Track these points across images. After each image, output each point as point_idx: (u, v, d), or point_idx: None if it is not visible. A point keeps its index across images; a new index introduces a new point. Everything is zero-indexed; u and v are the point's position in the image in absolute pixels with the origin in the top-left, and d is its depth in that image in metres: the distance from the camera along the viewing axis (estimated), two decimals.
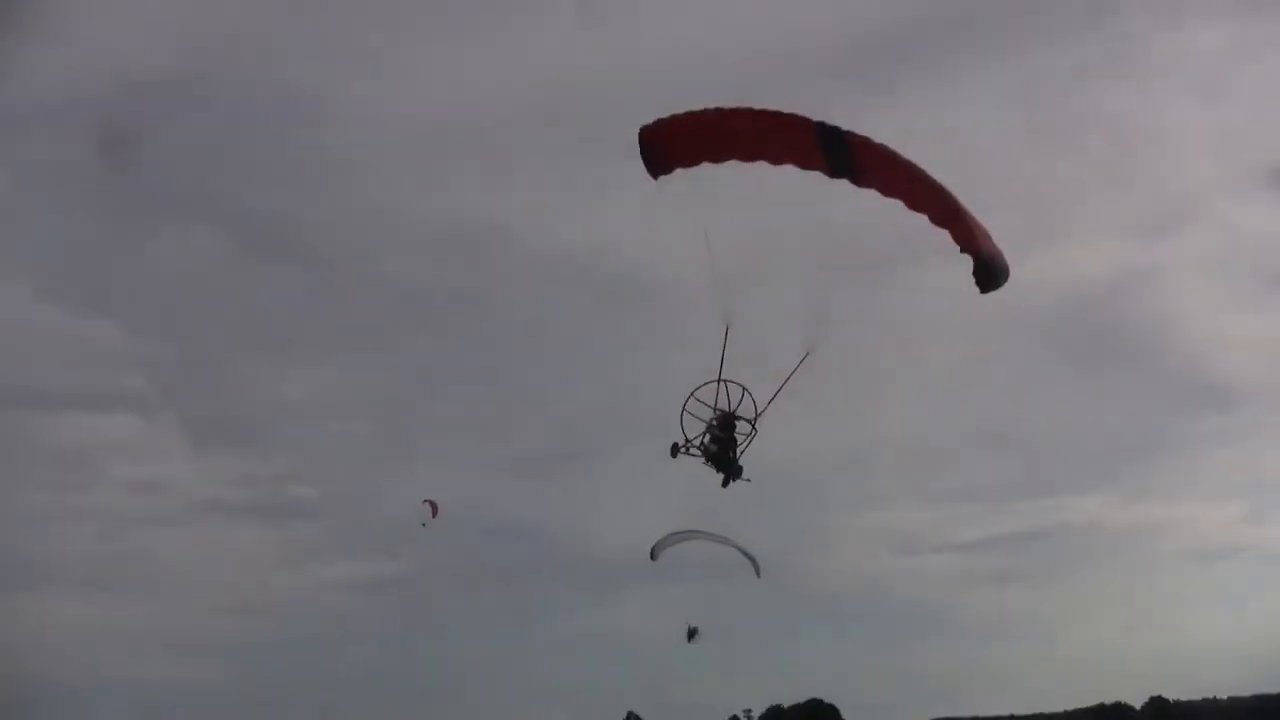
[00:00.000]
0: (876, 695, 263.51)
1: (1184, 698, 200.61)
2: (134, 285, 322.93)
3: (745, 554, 47.61)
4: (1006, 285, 20.77)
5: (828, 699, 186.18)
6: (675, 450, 20.77)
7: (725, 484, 20.83)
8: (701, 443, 20.47)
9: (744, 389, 20.51)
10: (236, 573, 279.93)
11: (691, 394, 20.55)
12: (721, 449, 20.44)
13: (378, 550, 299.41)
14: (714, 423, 20.49)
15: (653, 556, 47.67)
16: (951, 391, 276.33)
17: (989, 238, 20.07)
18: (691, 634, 53.10)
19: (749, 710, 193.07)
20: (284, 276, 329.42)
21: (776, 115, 19.50)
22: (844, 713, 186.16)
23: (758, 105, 19.59)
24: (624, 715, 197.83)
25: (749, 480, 20.69)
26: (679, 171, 21.01)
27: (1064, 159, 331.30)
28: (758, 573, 47.95)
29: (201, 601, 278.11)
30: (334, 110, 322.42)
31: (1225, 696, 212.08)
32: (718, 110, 20.00)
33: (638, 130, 20.94)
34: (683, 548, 48.21)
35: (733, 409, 20.38)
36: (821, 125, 19.30)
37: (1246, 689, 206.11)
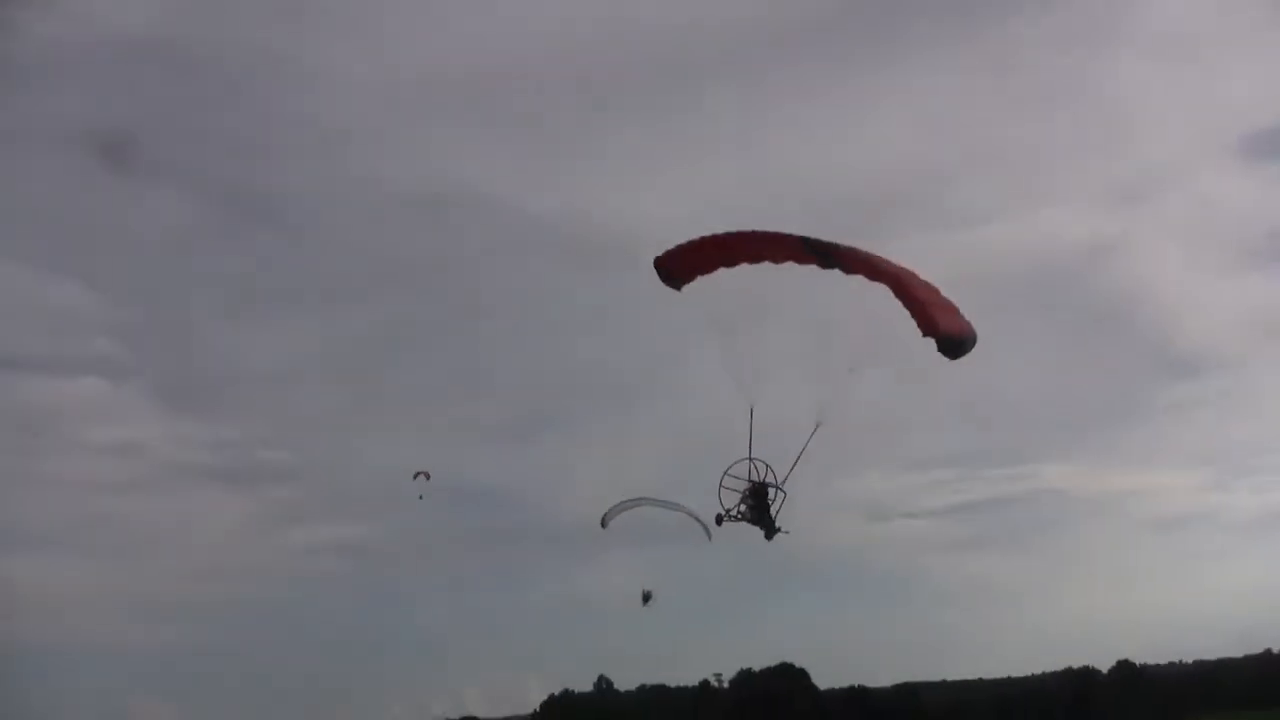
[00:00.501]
0: (847, 659, 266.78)
1: (1150, 662, 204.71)
2: (104, 249, 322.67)
3: (695, 518, 49.20)
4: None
5: (798, 663, 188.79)
6: (720, 519, 24.20)
7: (769, 538, 24.19)
8: (739, 511, 23.88)
9: (767, 465, 23.80)
10: (210, 536, 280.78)
11: (726, 472, 23.89)
12: (758, 513, 23.72)
13: (352, 514, 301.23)
14: (748, 493, 23.89)
15: (603, 524, 50.20)
16: (922, 358, 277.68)
17: (951, 314, 22.37)
18: (646, 598, 54.54)
19: (719, 674, 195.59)
20: (257, 241, 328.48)
21: (769, 234, 22.30)
22: (814, 677, 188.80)
23: (748, 229, 22.48)
24: (595, 678, 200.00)
25: (787, 533, 23.82)
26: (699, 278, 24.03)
27: (1038, 126, 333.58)
28: (709, 536, 49.18)
29: (175, 565, 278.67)
30: (308, 74, 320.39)
31: (1190, 660, 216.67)
32: (718, 235, 23.02)
33: (653, 260, 24.12)
34: (647, 514, 50.95)
35: (762, 478, 23.74)
36: (805, 239, 21.98)
37: (1211, 653, 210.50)
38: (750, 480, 23.99)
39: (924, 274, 23.22)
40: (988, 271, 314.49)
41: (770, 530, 24.18)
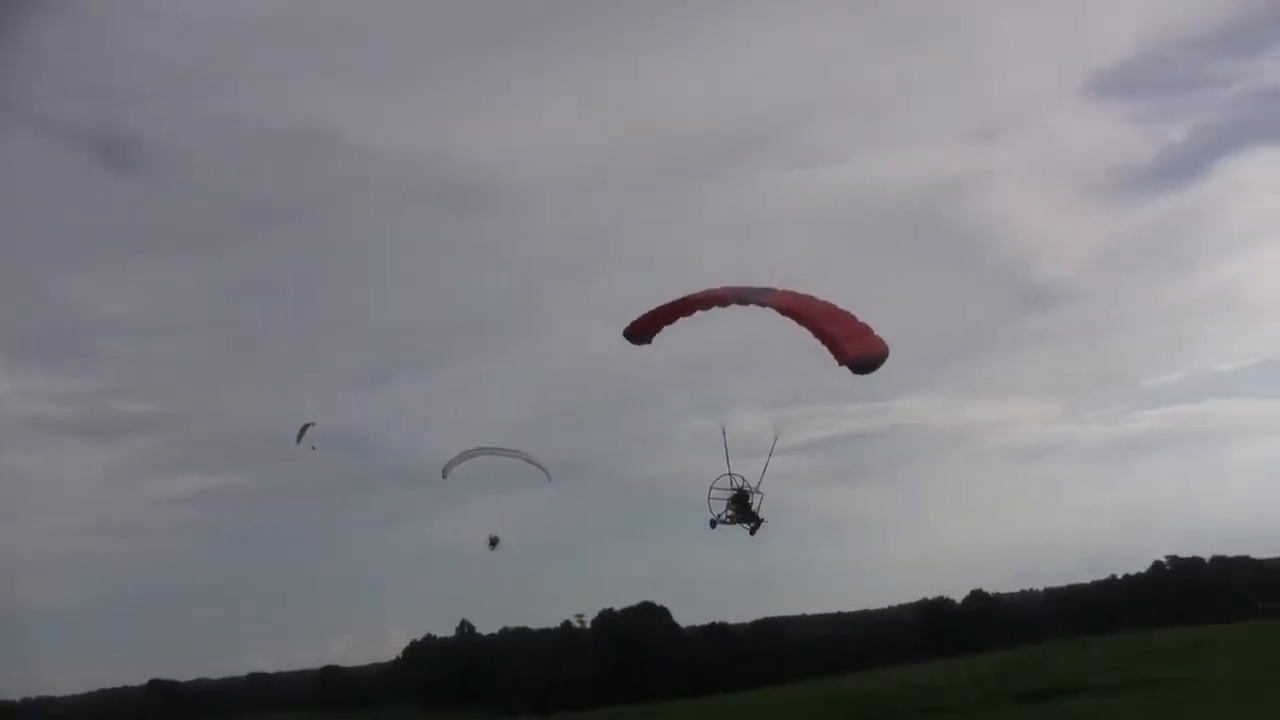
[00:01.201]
0: (708, 596, 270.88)
1: (1003, 590, 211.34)
2: None
3: (534, 463, 51.26)
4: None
5: (659, 601, 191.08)
6: (714, 524, 28.38)
7: (753, 533, 28.31)
8: (727, 515, 28.30)
9: (743, 478, 28.14)
10: (64, 489, 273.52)
11: (711, 486, 28.34)
12: (743, 514, 28.17)
13: (212, 463, 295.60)
14: (731, 500, 28.20)
15: (444, 475, 51.01)
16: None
17: (860, 340, 25.91)
18: (493, 542, 56.27)
19: (581, 615, 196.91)
20: (108, 185, 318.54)
21: (713, 291, 27.40)
22: (675, 615, 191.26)
23: (697, 291, 27.63)
24: (458, 623, 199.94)
25: (767, 521, 28.19)
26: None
27: (897, 65, 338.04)
28: (549, 478, 52.05)
29: (33, 523, 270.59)
30: (162, 13, 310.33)
31: (1041, 588, 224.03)
32: (671, 302, 28.06)
33: (622, 332, 29.13)
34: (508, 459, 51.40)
35: (742, 487, 28.20)
36: (738, 298, 26.95)
37: (1061, 580, 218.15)
38: (732, 489, 28.12)
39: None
40: (847, 208, 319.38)
41: (756, 525, 28.26)
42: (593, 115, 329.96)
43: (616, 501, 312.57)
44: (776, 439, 27.42)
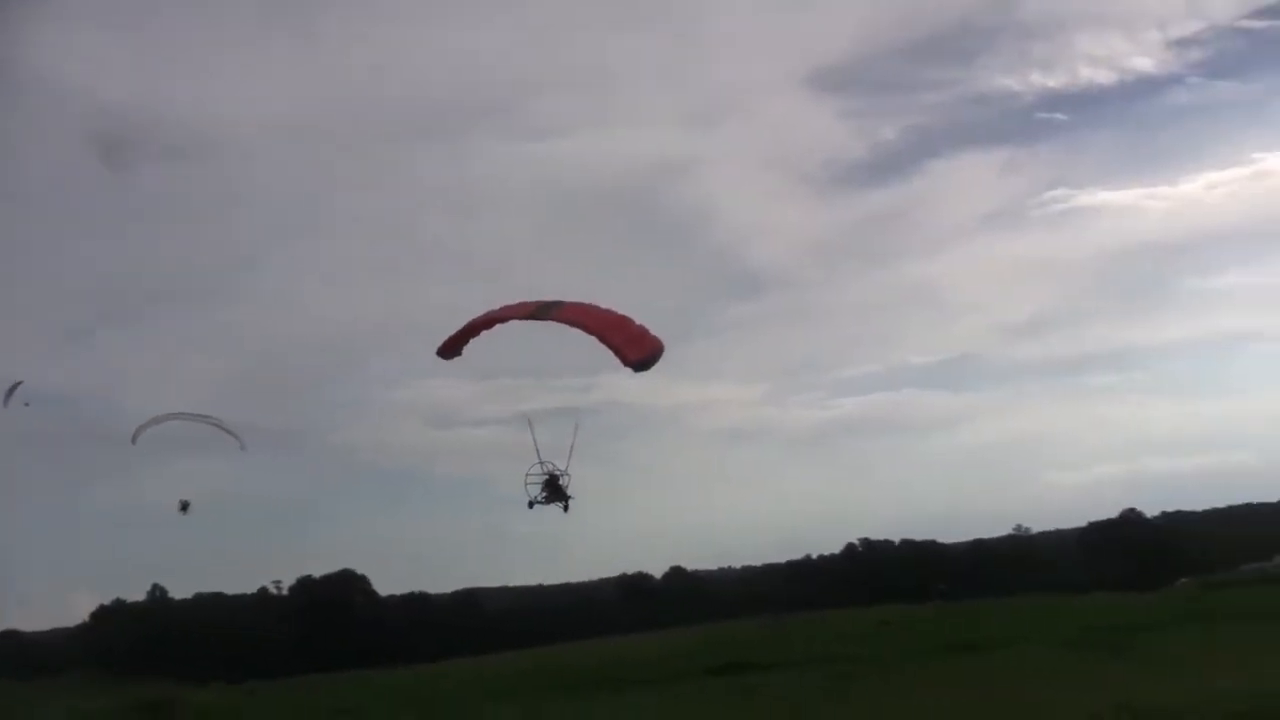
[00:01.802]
0: (410, 566, 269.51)
1: (702, 568, 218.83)
2: None
3: (227, 430, 52.50)
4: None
5: (360, 569, 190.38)
6: (531, 504, 31.37)
7: (565, 510, 31.59)
8: (543, 497, 31.40)
9: (553, 463, 31.20)
10: None
11: (526, 474, 31.22)
12: (555, 495, 31.32)
13: None
14: (544, 484, 31.26)
15: (133, 441, 51.48)
16: (496, 264, 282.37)
17: (639, 344, 29.11)
18: (184, 506, 57.07)
19: (279, 581, 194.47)
20: None
21: (513, 305, 30.13)
22: (375, 583, 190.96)
23: (498, 306, 30.24)
24: (149, 587, 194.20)
25: (574, 498, 31.47)
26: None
27: (621, 43, 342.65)
28: (242, 446, 53.15)
29: None
30: None
31: (739, 566, 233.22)
32: (476, 319, 30.48)
33: (435, 351, 31.27)
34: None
35: (552, 471, 31.28)
36: (533, 314, 29.76)
37: (758, 559, 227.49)
38: (544, 474, 31.12)
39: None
40: (563, 185, 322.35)
41: (566, 503, 31.57)
42: (315, 75, 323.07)
43: (320, 468, 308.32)
44: (577, 427, 30.70)
